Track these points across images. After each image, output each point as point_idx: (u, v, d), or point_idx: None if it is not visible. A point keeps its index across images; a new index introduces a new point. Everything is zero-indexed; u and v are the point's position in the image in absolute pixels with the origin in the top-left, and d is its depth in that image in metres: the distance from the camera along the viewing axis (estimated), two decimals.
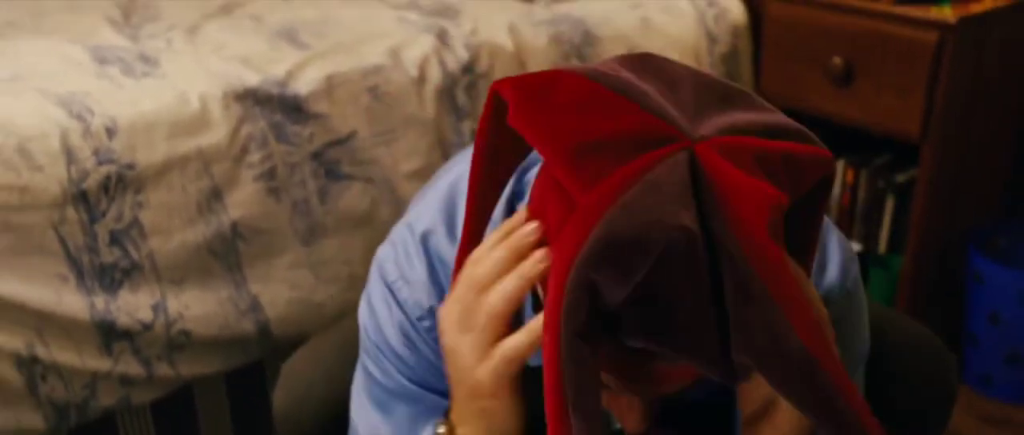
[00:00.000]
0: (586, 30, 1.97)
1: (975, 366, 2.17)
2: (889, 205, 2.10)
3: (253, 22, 1.97)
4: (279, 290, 1.65)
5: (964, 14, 1.85)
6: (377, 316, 0.99)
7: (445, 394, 0.93)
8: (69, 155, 1.46)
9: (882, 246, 2.13)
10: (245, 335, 1.62)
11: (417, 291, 0.96)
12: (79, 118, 1.50)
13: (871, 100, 1.96)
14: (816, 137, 0.71)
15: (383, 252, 1.00)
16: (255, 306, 1.63)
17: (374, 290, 0.99)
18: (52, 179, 1.44)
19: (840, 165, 2.14)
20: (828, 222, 0.96)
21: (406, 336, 0.97)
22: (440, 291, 0.96)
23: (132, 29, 1.95)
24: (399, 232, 0.99)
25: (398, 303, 0.97)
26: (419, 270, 0.96)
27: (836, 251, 0.95)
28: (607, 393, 0.79)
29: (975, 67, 1.92)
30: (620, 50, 2.00)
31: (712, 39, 2.10)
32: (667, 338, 0.64)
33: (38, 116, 1.48)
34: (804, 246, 0.75)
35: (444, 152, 1.82)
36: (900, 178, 2.08)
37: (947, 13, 1.85)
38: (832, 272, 0.94)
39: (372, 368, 1.01)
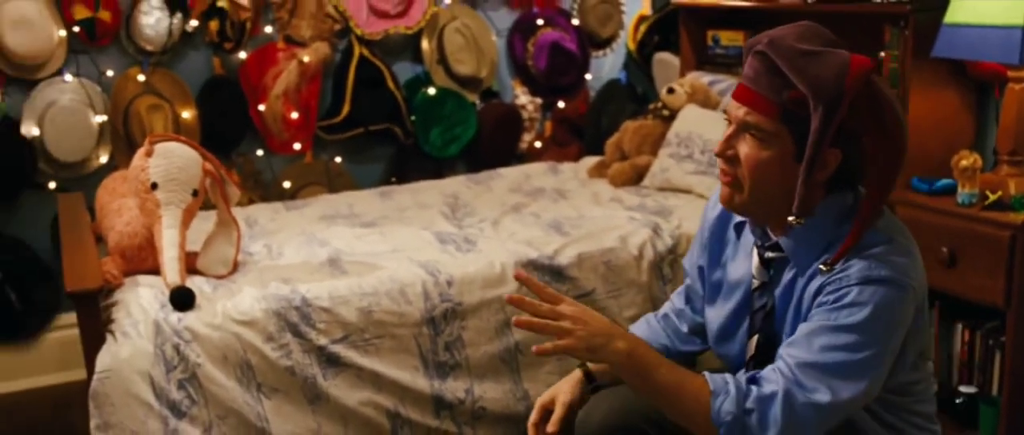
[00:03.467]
0: None
1: None
2: (997, 358, 2.76)
3: (534, 217, 3.01)
4: (541, 387, 2.59)
5: None
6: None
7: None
8: (425, 296, 2.50)
9: (993, 389, 2.78)
10: (518, 414, 2.56)
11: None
12: (431, 275, 2.55)
13: (969, 278, 2.68)
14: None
15: None
16: (525, 396, 2.57)
17: None
18: (416, 309, 2.48)
19: (958, 328, 2.83)
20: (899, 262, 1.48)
21: None
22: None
23: (458, 220, 3.03)
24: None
25: None
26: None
27: (880, 267, 1.46)
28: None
29: None
30: None
31: None
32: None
33: (409, 273, 2.54)
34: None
35: (654, 305, 2.72)
36: (1004, 338, 2.75)
37: (1021, 217, 2.58)
38: (859, 265, 1.46)
39: None
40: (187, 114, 3.68)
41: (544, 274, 2.64)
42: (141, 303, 2.39)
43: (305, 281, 2.51)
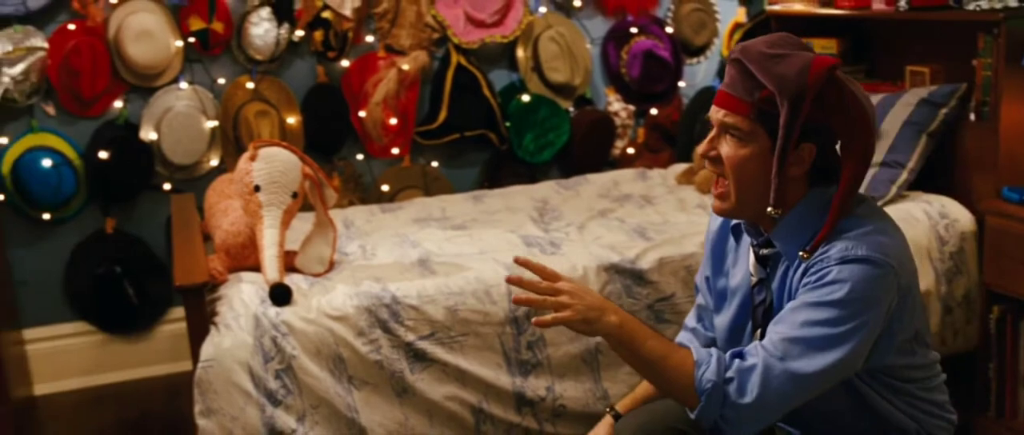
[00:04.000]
0: None
1: None
2: None
3: (619, 222, 3.08)
4: (622, 387, 2.66)
5: None
6: None
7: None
8: (509, 296, 2.60)
9: None
10: (598, 413, 2.64)
11: None
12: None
13: None
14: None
15: None
16: (605, 395, 2.65)
17: None
18: (500, 309, 2.59)
19: None
20: (883, 241, 1.60)
21: None
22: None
23: (545, 224, 3.12)
24: None
25: None
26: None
27: (859, 246, 1.57)
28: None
29: None
30: None
31: (942, 241, 2.90)
32: None
33: (494, 274, 2.64)
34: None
35: None
36: None
37: None
38: (839, 246, 1.59)
39: None
40: (292, 120, 3.86)
41: (625, 277, 2.71)
42: (243, 298, 2.55)
43: (396, 280, 2.63)
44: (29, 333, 3.75)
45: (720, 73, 4.49)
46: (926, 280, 2.88)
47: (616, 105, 4.30)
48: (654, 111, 4.36)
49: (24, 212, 3.64)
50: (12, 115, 3.62)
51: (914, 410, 1.78)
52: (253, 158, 2.71)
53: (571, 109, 4.24)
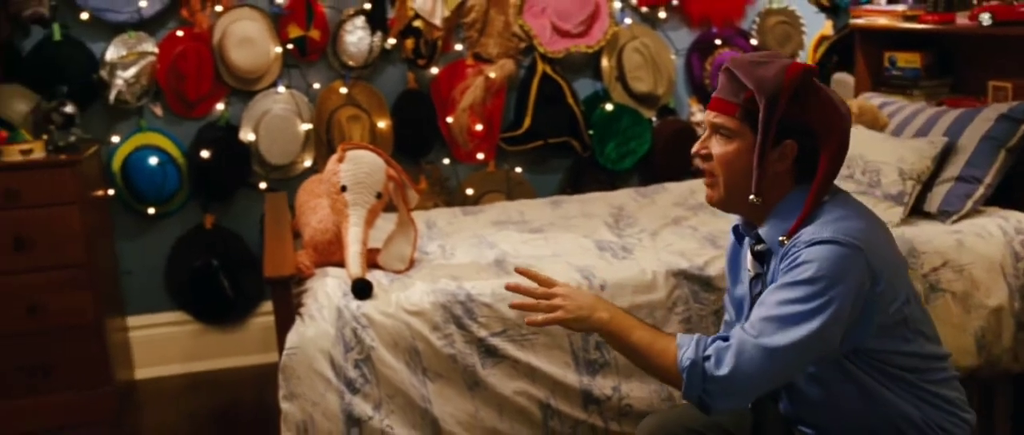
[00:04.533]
0: (912, 247, 2.88)
1: None
2: None
3: (692, 230, 3.15)
4: None
5: None
6: None
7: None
8: None
9: None
10: None
11: None
12: (586, 278, 2.74)
13: None
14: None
15: None
16: (670, 397, 2.72)
17: None
18: None
19: None
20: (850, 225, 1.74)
21: None
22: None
23: (619, 230, 3.21)
24: None
25: None
26: None
27: (825, 230, 1.72)
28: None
29: None
30: (937, 262, 2.87)
31: (1017, 257, 2.90)
32: None
33: (566, 276, 2.74)
34: None
35: None
36: None
37: None
38: (809, 231, 1.74)
39: None
40: (383, 124, 4.03)
41: (693, 283, 2.78)
42: (327, 291, 2.70)
43: (471, 279, 2.75)
44: (132, 320, 3.99)
45: None
46: (999, 296, 2.88)
47: (699, 115, 4.36)
48: None
49: (131, 206, 3.88)
50: (123, 115, 3.87)
51: (916, 400, 1.85)
52: (341, 160, 2.87)
53: (654, 118, 4.31)
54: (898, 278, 1.81)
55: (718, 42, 4.33)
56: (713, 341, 1.80)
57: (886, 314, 1.78)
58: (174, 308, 4.03)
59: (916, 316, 1.85)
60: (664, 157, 4.26)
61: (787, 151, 1.81)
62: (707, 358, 1.77)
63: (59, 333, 3.48)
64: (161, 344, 4.02)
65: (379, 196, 2.86)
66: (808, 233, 1.76)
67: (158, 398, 3.83)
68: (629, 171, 4.31)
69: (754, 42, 4.39)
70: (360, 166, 2.85)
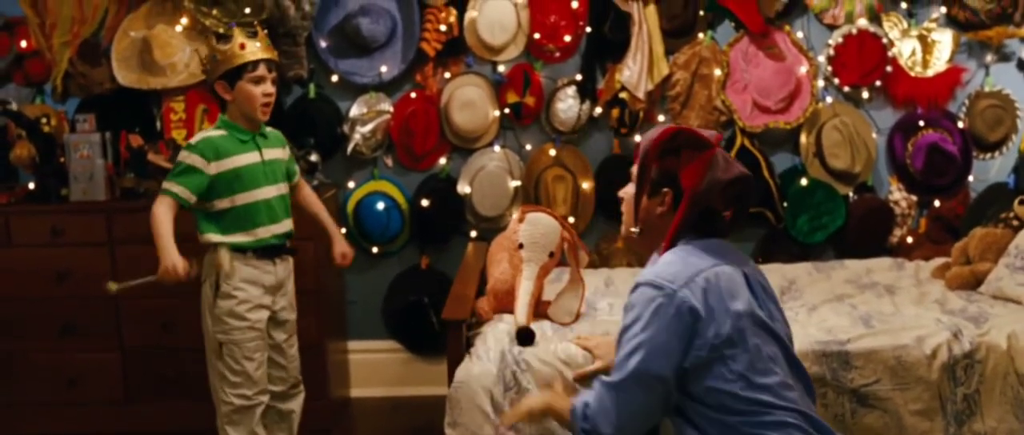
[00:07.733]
0: None
1: None
2: None
3: (850, 308, 3.27)
4: None
5: None
6: None
7: None
8: None
9: None
10: None
11: None
12: None
13: None
14: None
15: None
16: None
17: None
18: None
19: None
20: (691, 263, 2.14)
21: None
22: None
23: (781, 303, 3.37)
24: None
25: None
26: None
27: (647, 273, 2.15)
28: None
29: None
30: None
31: None
32: None
33: None
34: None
35: (941, 403, 2.87)
36: None
37: None
38: (642, 273, 2.12)
39: None
40: (586, 185, 4.38)
41: (833, 360, 2.90)
42: (496, 335, 3.06)
43: None
44: (352, 344, 4.56)
45: (1015, 170, 4.44)
46: None
47: (897, 194, 4.41)
48: (937, 203, 4.40)
49: (359, 244, 4.43)
50: (359, 165, 4.45)
51: None
52: (521, 220, 3.24)
53: (851, 194, 4.40)
54: (725, 320, 2.05)
55: (921, 124, 4.36)
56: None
57: (706, 351, 2.05)
58: (388, 337, 4.55)
59: (749, 361, 2.06)
60: (858, 233, 4.34)
61: (666, 198, 2.26)
62: (586, 418, 2.18)
63: None
64: (374, 367, 4.55)
65: (551, 255, 3.20)
66: (640, 276, 2.18)
67: (367, 416, 4.34)
68: (821, 244, 4.42)
69: (961, 125, 4.38)
70: (537, 227, 3.21)
